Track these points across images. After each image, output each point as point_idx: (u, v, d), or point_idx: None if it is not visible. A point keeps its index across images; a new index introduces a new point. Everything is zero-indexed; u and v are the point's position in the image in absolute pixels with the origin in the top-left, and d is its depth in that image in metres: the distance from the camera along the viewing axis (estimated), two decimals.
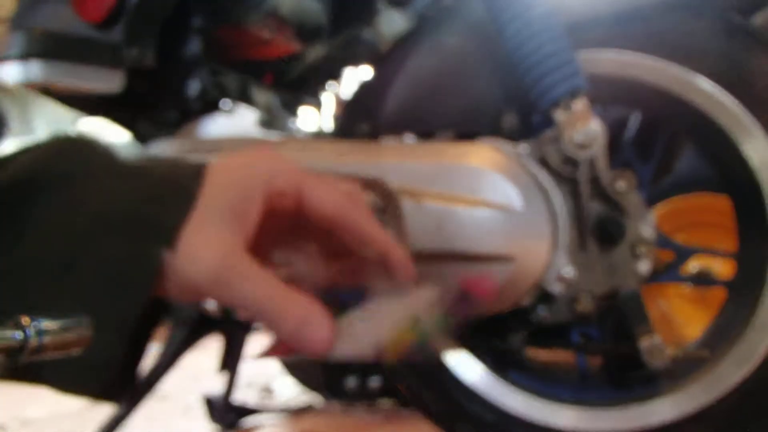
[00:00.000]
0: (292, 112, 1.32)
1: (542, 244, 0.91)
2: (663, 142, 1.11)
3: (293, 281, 0.46)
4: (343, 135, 1.08)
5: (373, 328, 0.46)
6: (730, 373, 0.96)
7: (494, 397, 1.04)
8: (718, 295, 1.14)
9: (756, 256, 1.00)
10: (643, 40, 0.98)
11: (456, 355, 1.06)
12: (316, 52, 1.28)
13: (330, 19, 1.26)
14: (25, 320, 0.34)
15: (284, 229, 0.49)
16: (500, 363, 1.08)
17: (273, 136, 1.13)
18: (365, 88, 1.12)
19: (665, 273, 1.09)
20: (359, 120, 1.06)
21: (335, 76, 1.51)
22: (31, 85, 1.00)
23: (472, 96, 1.02)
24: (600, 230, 0.95)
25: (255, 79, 1.23)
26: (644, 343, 0.96)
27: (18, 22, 1.12)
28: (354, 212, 0.48)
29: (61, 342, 0.35)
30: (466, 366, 1.06)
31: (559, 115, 0.93)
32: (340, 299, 0.49)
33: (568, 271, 0.94)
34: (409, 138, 1.01)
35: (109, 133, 1.17)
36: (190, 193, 0.44)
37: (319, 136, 1.33)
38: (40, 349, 0.34)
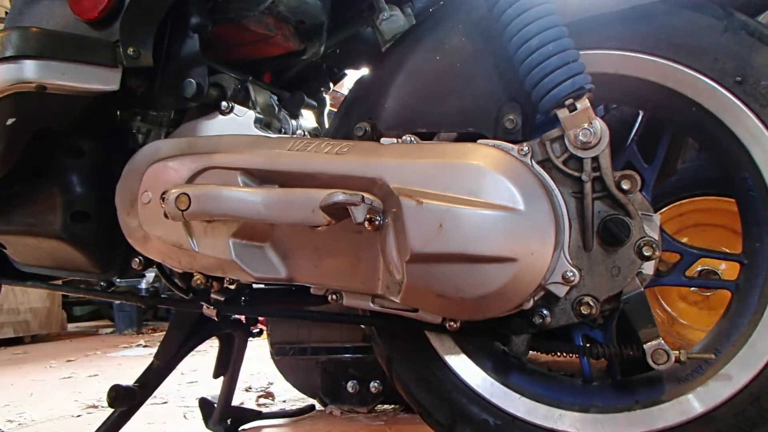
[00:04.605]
0: (292, 111, 1.31)
1: (545, 245, 0.90)
2: (667, 143, 1.10)
3: None
4: (343, 135, 1.07)
5: None
6: (735, 376, 0.95)
7: (496, 401, 1.02)
8: (723, 297, 1.12)
9: (762, 257, 0.99)
10: (647, 39, 0.96)
11: (457, 359, 1.05)
12: (315, 51, 1.27)
13: (330, 17, 1.25)
14: None
15: None
16: (503, 366, 1.07)
17: (272, 135, 1.12)
18: (365, 88, 1.10)
19: (670, 275, 1.07)
20: (359, 120, 1.05)
21: (335, 75, 1.50)
22: (26, 85, 0.98)
23: (473, 96, 1.00)
24: (604, 231, 0.94)
25: (254, 78, 1.22)
26: (649, 345, 0.95)
27: (12, 21, 1.11)
28: None
29: None
30: (467, 369, 1.05)
31: (563, 115, 0.92)
32: None
33: (572, 272, 0.93)
34: (409, 138, 1.00)
35: None
36: None
37: (319, 135, 1.32)
38: None
